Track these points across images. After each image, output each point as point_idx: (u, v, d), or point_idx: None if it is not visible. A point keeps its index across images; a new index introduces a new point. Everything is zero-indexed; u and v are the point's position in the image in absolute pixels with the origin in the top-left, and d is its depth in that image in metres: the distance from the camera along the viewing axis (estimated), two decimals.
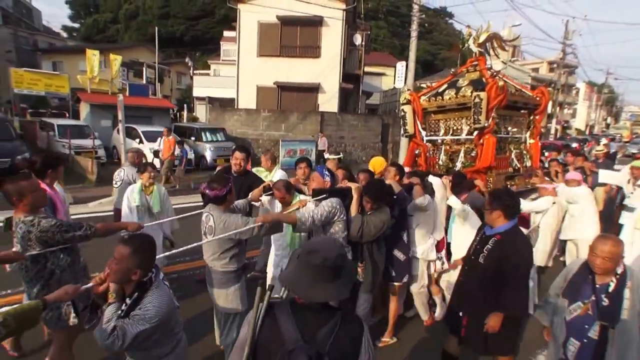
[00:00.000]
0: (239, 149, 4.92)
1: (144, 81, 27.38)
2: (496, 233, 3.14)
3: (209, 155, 16.25)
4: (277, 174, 5.28)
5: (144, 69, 27.85)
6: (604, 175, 6.86)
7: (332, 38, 19.62)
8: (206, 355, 3.86)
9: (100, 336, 2.04)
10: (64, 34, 56.58)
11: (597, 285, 2.66)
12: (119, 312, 2.10)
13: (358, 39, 20.75)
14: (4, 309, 1.99)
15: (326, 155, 14.05)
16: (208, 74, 35.32)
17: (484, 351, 3.25)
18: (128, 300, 2.13)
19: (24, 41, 35.34)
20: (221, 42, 36.17)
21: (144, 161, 6.05)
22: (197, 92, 29.90)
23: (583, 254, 5.34)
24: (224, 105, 22.89)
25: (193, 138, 17.11)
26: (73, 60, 34.00)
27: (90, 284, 2.23)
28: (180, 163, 12.95)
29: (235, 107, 20.82)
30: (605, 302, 2.60)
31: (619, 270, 2.63)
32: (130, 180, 5.39)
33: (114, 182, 5.62)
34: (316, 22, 19.34)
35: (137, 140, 15.83)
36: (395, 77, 19.65)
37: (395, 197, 3.97)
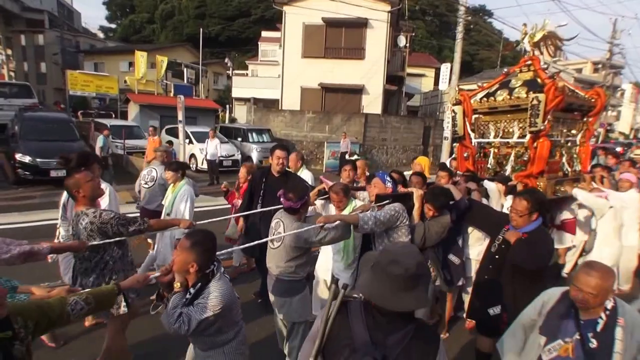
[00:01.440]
0: (279, 147, 4.72)
1: (185, 81, 28.38)
2: (523, 232, 3.24)
3: (255, 156, 16.70)
4: (304, 174, 5.21)
5: (185, 69, 28.84)
6: None
7: (376, 40, 20.04)
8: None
9: (167, 321, 2.23)
10: (101, 35, 58.87)
11: (582, 321, 2.27)
12: (184, 300, 2.28)
13: (402, 41, 21.13)
14: (85, 290, 2.29)
15: (348, 158, 14.47)
16: (246, 75, 36.18)
17: None
18: (192, 290, 2.30)
19: (68, 43, 37.17)
20: (259, 43, 36.87)
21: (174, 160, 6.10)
22: (236, 92, 30.48)
23: (625, 260, 5.75)
24: (266, 106, 23.61)
25: (239, 139, 17.80)
26: (114, 61, 35.60)
27: (158, 273, 2.42)
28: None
29: (279, 108, 21.47)
30: (593, 343, 2.22)
31: (609, 304, 2.25)
32: (163, 182, 5.27)
33: (143, 181, 5.54)
34: (361, 24, 19.80)
35: (187, 140, 16.57)
36: (440, 78, 19.88)
37: (453, 202, 3.99)
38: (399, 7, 19.80)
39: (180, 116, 12.21)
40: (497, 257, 3.41)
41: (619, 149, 22.45)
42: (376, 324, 1.62)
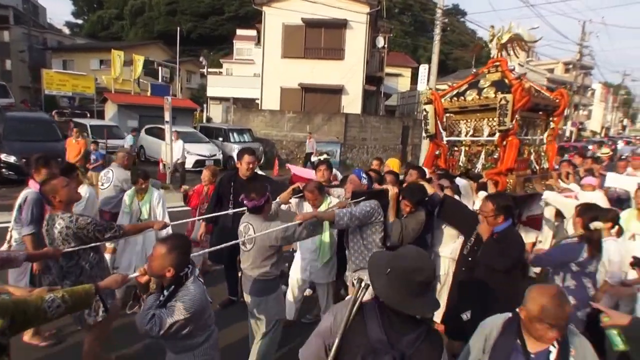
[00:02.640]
0: (248, 152, 4.78)
1: (160, 80, 28.39)
2: (494, 232, 3.37)
3: (236, 156, 17.11)
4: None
5: (160, 68, 28.84)
6: (612, 179, 7.09)
7: (355, 40, 20.73)
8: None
9: (140, 322, 2.27)
10: (67, 31, 57.71)
11: (532, 355, 2.09)
12: (157, 302, 2.34)
13: (381, 42, 21.88)
14: (63, 289, 2.31)
15: (314, 158, 14.90)
16: (220, 73, 36.27)
17: None
18: (165, 292, 2.37)
19: (35, 40, 36.51)
20: (234, 41, 37.15)
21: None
22: (211, 91, 30.57)
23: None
24: (244, 105, 23.98)
25: (220, 139, 18.18)
26: (84, 58, 35.10)
27: (136, 274, 2.48)
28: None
29: (259, 108, 21.92)
30: None
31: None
32: (118, 184, 5.35)
33: (99, 183, 5.56)
34: (340, 25, 20.45)
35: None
36: (419, 79, 20.75)
37: (427, 197, 4.10)
38: (378, 9, 20.53)
39: (167, 117, 12.50)
40: (469, 259, 3.50)
41: (591, 147, 23.63)
42: (391, 324, 1.73)
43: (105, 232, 3.18)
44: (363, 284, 1.84)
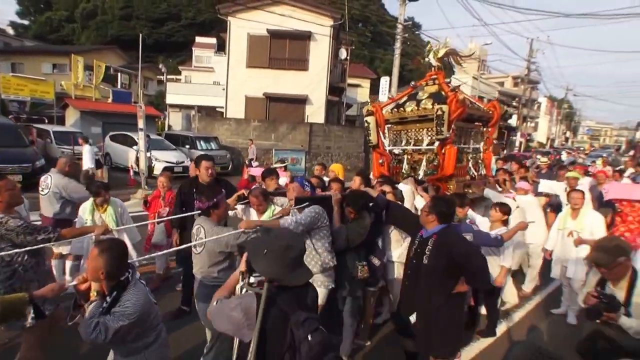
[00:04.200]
0: (204, 158, 5.00)
1: (119, 86, 28.20)
2: (432, 234, 3.47)
3: (195, 163, 17.40)
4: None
5: (120, 74, 28.68)
6: (544, 185, 7.87)
7: (319, 52, 21.69)
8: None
9: (84, 331, 2.25)
10: (11, 31, 55.56)
11: None
12: (101, 309, 2.31)
13: (343, 54, 23.00)
14: None
15: (255, 164, 15.50)
16: (177, 80, 36.10)
17: (429, 351, 3.54)
18: (108, 299, 2.35)
19: None
20: (193, 48, 37.26)
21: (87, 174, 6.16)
22: (170, 99, 30.42)
23: (533, 258, 6.46)
24: (208, 114, 24.35)
25: (187, 146, 18.56)
26: (35, 62, 34.10)
27: (74, 282, 2.45)
28: None
29: (224, 116, 22.41)
30: None
31: None
32: (57, 190, 5.30)
33: (40, 188, 5.46)
34: (304, 37, 21.36)
35: (136, 147, 16.49)
36: (380, 90, 21.90)
37: (372, 203, 4.25)
38: (341, 22, 21.61)
39: (140, 124, 12.75)
40: (414, 261, 3.58)
41: (540, 156, 25.36)
42: (295, 297, 2.01)
43: (37, 234, 3.16)
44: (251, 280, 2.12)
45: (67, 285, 2.56)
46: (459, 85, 6.69)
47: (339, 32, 23.65)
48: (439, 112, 5.78)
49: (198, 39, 37.87)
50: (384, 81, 21.69)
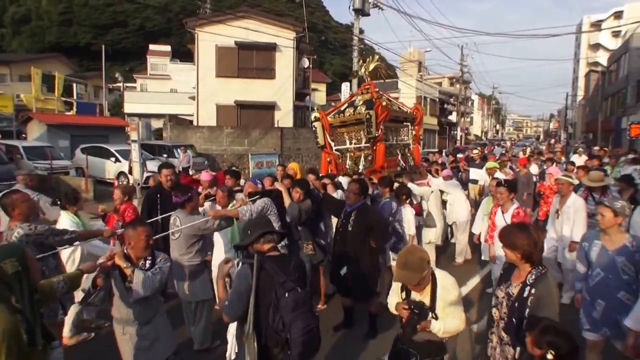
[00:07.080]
0: (164, 166, 5.51)
1: (75, 97, 27.51)
2: (354, 208, 4.55)
3: (157, 170, 17.33)
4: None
5: (75, 85, 28.06)
6: (473, 173, 9.33)
7: (285, 61, 22.90)
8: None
9: (146, 283, 2.87)
10: None
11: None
12: (144, 268, 2.95)
13: (306, 63, 24.31)
14: (62, 275, 2.87)
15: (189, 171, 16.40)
16: (134, 88, 35.77)
17: (356, 293, 4.58)
18: (149, 261, 3.02)
19: None
20: (148, 56, 36.82)
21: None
22: (128, 108, 30.03)
23: (459, 233, 7.21)
24: (178, 122, 24.65)
25: (165, 155, 18.87)
26: None
27: (103, 260, 2.95)
28: None
29: (196, 124, 23.01)
30: None
31: None
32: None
33: None
34: (270, 47, 22.48)
35: (113, 159, 16.97)
36: (342, 95, 23.41)
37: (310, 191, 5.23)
38: (303, 35, 22.91)
39: (134, 136, 13.03)
40: (340, 229, 4.67)
41: (478, 149, 27.69)
42: (279, 265, 2.59)
43: (62, 235, 3.62)
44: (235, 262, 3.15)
45: (98, 262, 2.97)
46: (383, 94, 7.99)
47: (299, 43, 24.92)
48: (368, 116, 6.98)
49: (152, 47, 37.44)
50: (345, 87, 23.25)
